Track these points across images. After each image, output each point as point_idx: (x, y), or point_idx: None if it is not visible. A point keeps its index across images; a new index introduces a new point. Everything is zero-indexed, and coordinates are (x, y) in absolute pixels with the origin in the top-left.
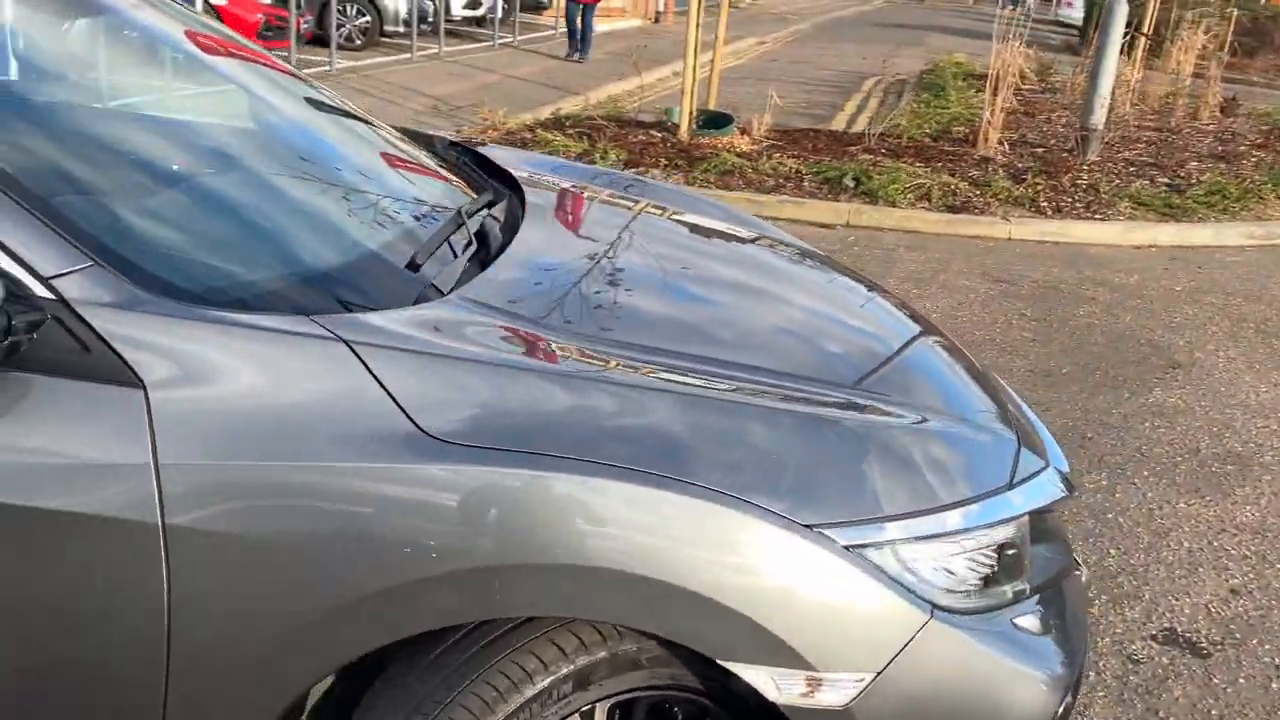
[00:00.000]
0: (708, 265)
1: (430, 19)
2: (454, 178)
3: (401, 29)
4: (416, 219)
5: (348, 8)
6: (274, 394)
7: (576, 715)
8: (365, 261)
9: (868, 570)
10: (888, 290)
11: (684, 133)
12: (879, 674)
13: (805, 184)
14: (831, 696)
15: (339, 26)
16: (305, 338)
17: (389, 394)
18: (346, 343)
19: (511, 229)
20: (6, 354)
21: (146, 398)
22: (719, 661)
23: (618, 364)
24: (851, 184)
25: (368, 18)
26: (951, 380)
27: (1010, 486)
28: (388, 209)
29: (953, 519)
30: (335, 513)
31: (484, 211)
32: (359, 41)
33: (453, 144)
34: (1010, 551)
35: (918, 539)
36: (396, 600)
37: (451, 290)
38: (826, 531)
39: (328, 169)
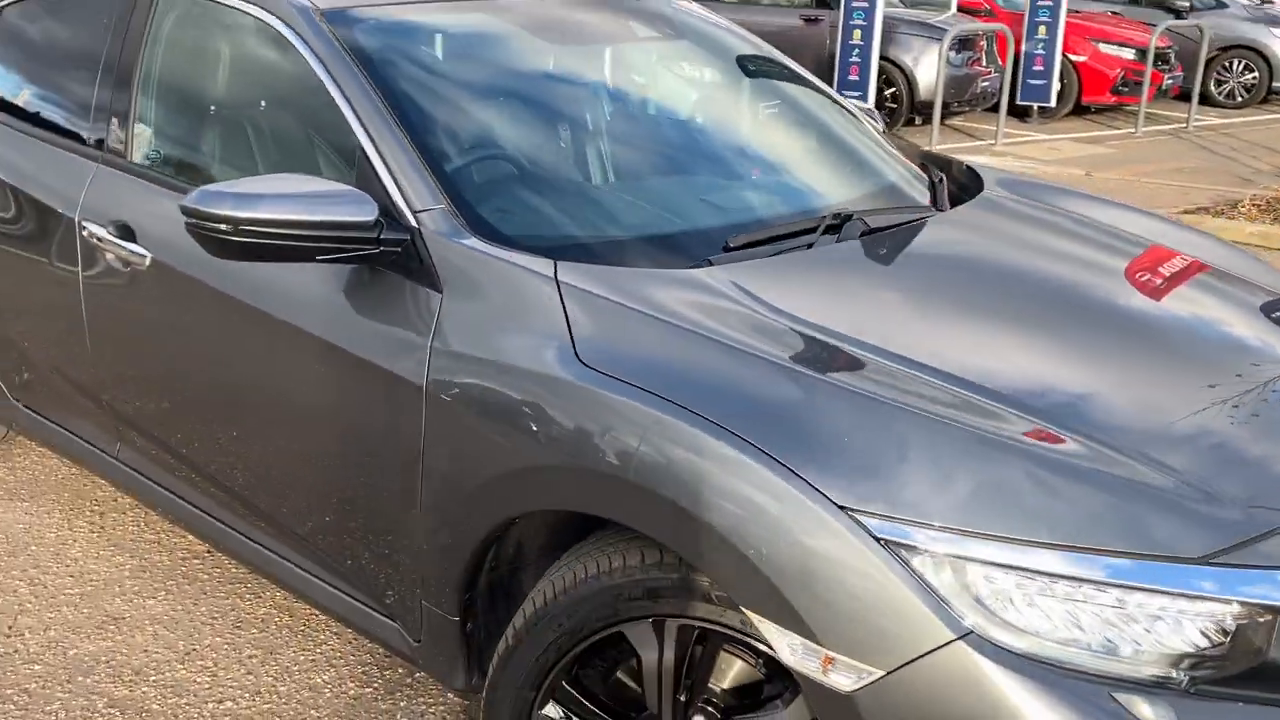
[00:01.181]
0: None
1: None
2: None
3: None
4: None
5: (1233, 63)
6: (504, 310)
7: (649, 623)
8: (652, 230)
9: (889, 564)
10: None
11: None
12: (890, 673)
13: None
14: (840, 679)
15: (1219, 83)
16: (536, 275)
17: (568, 326)
18: (558, 284)
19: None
20: (378, 255)
21: (441, 302)
22: (746, 611)
23: (823, 356)
24: None
25: (1255, 73)
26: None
27: (1202, 561)
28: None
29: (1049, 560)
30: (511, 402)
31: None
32: (1240, 98)
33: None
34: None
35: (996, 564)
36: (529, 477)
37: (712, 264)
38: (868, 519)
39: (698, 144)
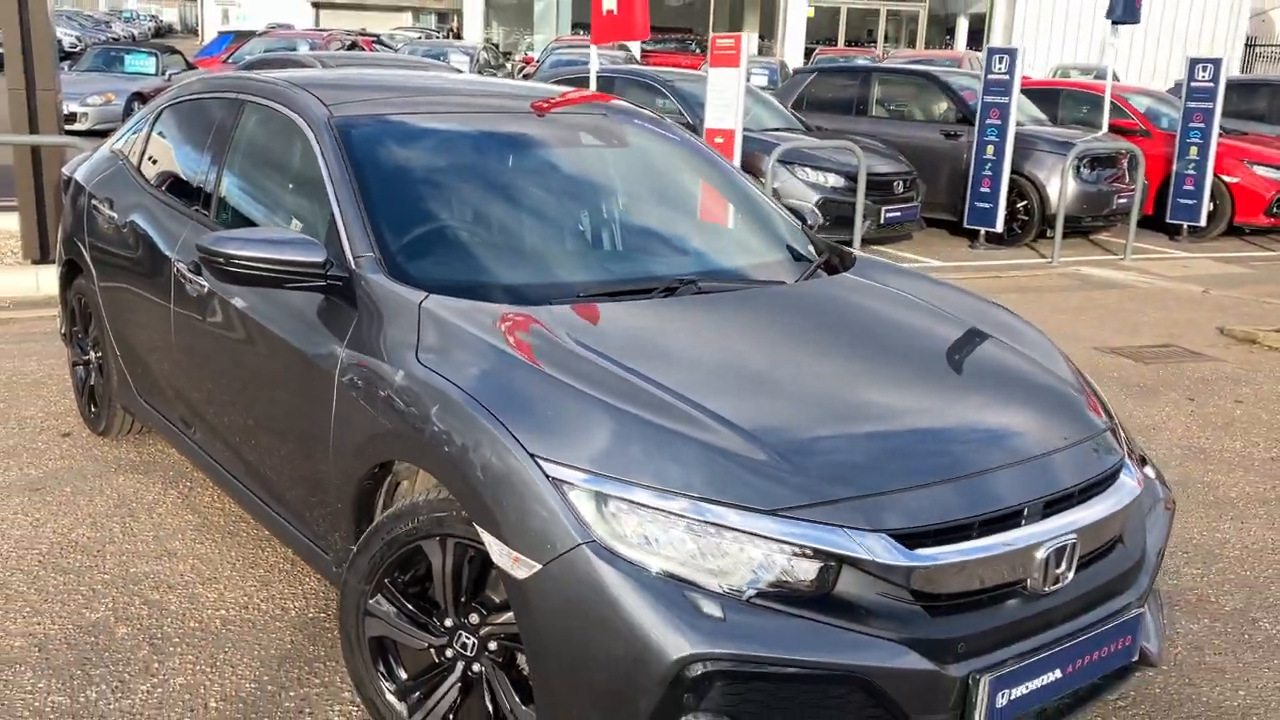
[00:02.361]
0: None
1: None
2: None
3: None
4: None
5: None
6: (384, 325)
7: (435, 540)
8: (519, 279)
9: (553, 494)
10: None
11: None
12: (545, 565)
13: None
14: (519, 571)
15: None
16: (408, 303)
17: (418, 338)
18: (419, 309)
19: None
20: (327, 286)
21: (355, 318)
22: (476, 527)
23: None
24: None
25: None
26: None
27: (766, 513)
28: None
29: (662, 501)
30: (375, 387)
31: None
32: None
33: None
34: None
35: (618, 499)
36: (382, 437)
37: (549, 304)
38: (545, 464)
39: (590, 204)
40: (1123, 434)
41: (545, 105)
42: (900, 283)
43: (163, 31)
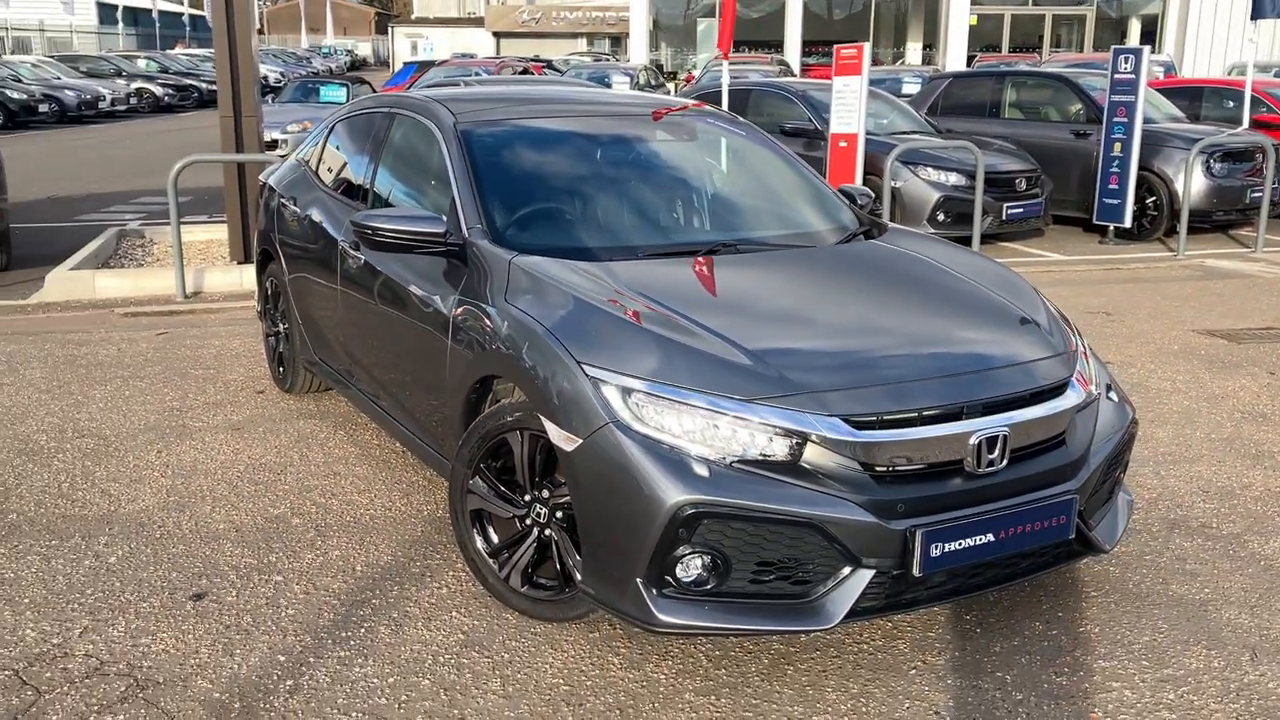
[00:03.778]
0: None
1: None
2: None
3: None
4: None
5: None
6: (485, 278)
7: (516, 432)
8: (590, 243)
9: (591, 389)
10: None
11: None
12: (585, 439)
13: None
14: (568, 445)
15: None
16: (503, 260)
17: (507, 285)
18: (509, 264)
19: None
20: (446, 251)
21: (465, 274)
22: (540, 417)
23: (626, 309)
24: None
25: None
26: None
27: (746, 402)
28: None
29: (667, 391)
30: (478, 323)
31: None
32: None
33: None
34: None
35: (639, 392)
36: (483, 358)
37: (610, 260)
38: (587, 368)
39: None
40: (1085, 364)
41: (650, 111)
42: (919, 246)
43: (357, 65)
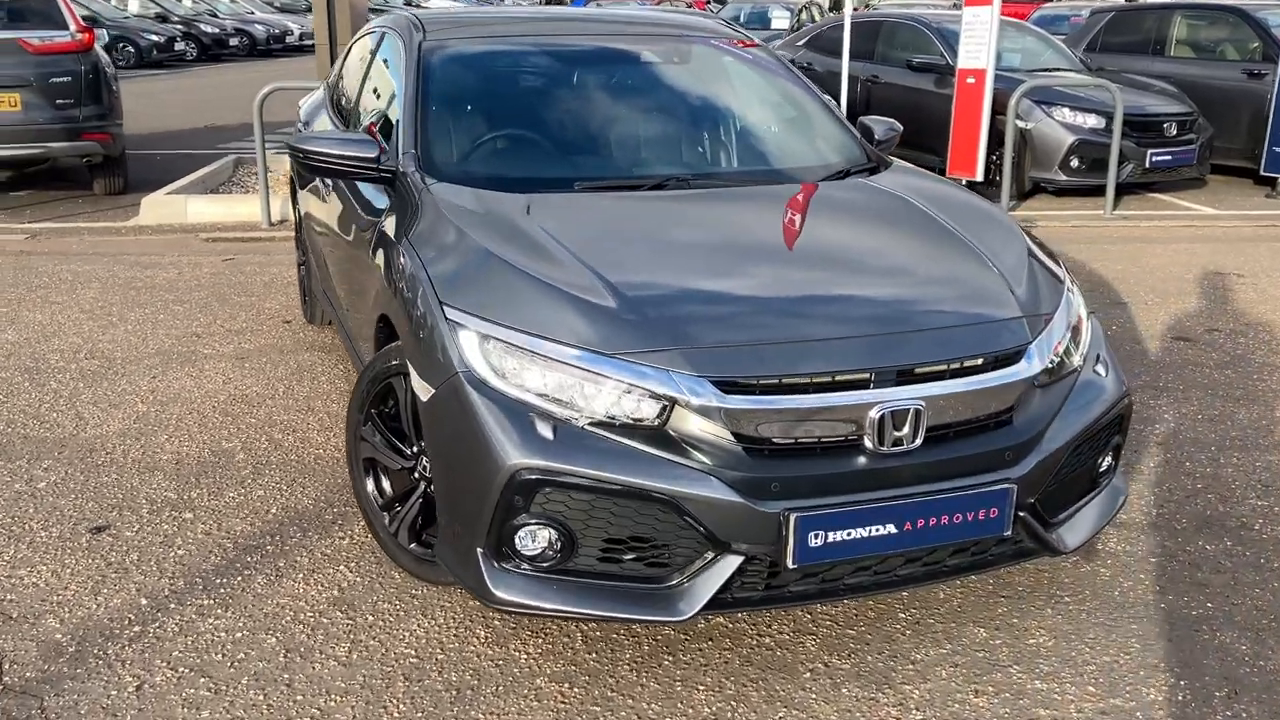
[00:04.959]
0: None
1: None
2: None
3: None
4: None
5: None
6: (404, 204)
7: (399, 377)
8: (512, 173)
9: (448, 333)
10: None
11: None
12: (436, 389)
13: None
14: (424, 395)
15: None
16: (421, 188)
17: (418, 215)
18: (425, 190)
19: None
20: (379, 177)
21: (390, 198)
22: (408, 363)
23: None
24: None
25: None
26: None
27: (608, 356)
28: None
29: (526, 340)
30: (388, 247)
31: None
32: None
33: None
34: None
35: (496, 340)
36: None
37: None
38: (447, 309)
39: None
40: (1066, 330)
41: (653, 32)
42: (915, 184)
43: None
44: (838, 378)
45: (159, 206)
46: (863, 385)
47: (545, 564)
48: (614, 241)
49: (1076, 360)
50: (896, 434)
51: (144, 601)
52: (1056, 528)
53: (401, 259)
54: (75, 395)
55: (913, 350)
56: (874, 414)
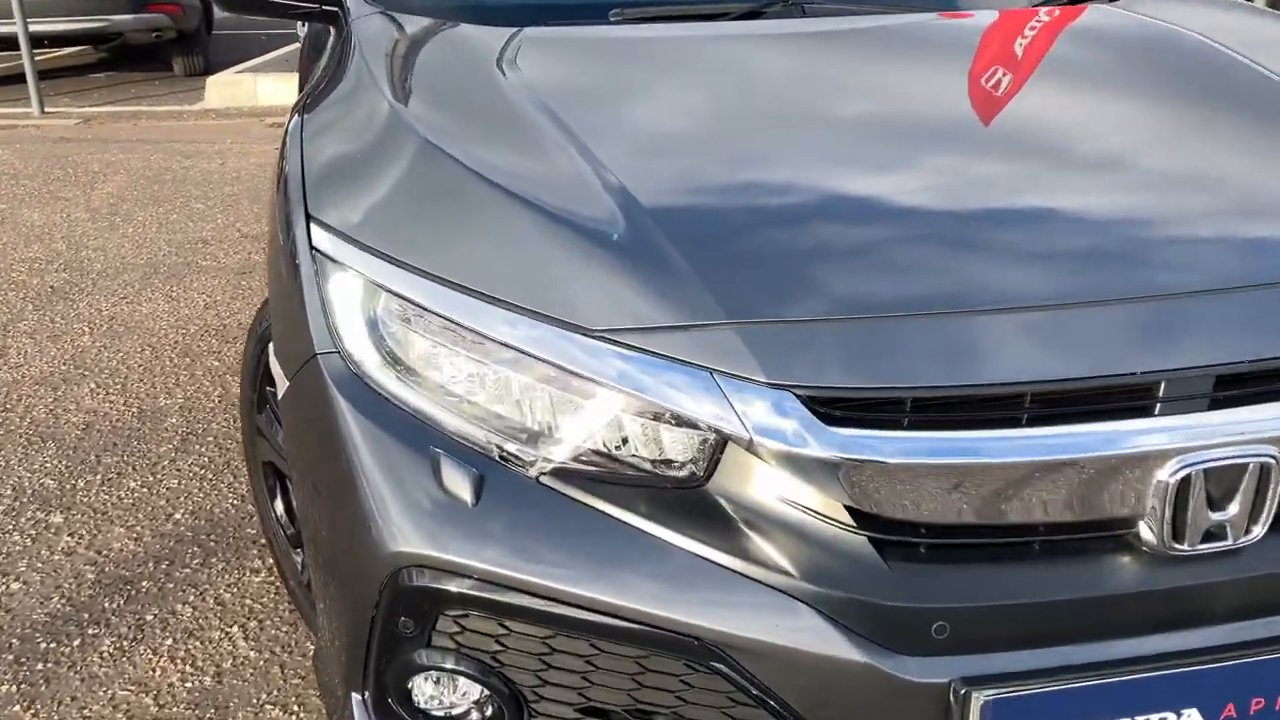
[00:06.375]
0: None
1: None
2: None
3: None
4: None
5: None
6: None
7: None
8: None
9: (310, 277)
10: None
11: None
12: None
13: None
14: (280, 389)
15: None
16: (348, 19)
17: (341, 53)
18: (353, 21)
19: None
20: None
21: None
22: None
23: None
24: None
25: None
26: None
27: (596, 336)
28: None
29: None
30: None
31: None
32: None
33: None
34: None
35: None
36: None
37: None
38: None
39: None
40: None
41: None
42: (1202, 12)
43: None
44: (1085, 390)
45: (225, 87)
46: (1140, 408)
47: None
48: (638, 113)
49: None
50: (1216, 516)
51: None
52: None
53: (285, 142)
54: (16, 320)
55: (1246, 336)
56: (1167, 473)
